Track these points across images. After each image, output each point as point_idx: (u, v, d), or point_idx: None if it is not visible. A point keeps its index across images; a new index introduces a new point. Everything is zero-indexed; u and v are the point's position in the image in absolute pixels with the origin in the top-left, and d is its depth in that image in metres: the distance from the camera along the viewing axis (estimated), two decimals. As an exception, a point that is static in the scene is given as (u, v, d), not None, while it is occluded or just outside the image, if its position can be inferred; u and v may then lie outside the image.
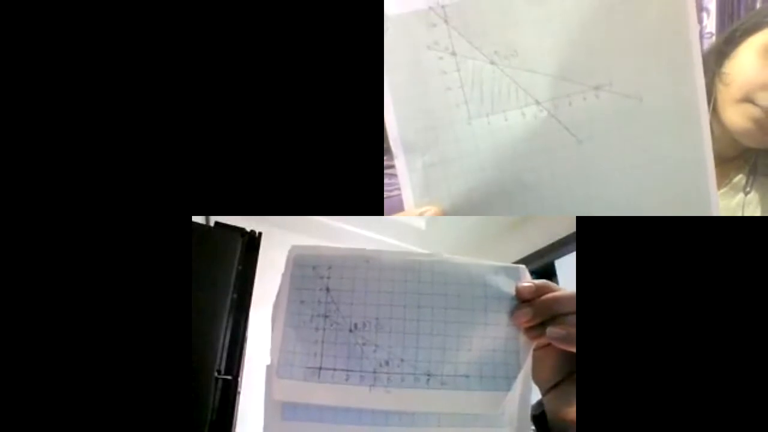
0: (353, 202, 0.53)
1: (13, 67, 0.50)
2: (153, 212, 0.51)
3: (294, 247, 0.40)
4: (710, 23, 1.20)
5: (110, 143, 0.51)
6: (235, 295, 1.16)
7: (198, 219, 1.29)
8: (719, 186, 0.50)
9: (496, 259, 0.41)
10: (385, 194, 0.54)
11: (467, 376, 0.37)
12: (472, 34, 0.47)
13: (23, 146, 0.50)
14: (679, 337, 0.49)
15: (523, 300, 0.38)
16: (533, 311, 0.37)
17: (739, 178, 0.72)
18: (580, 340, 0.38)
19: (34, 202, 0.50)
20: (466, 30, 0.47)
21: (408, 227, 1.94)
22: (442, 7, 0.46)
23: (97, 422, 0.48)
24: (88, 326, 0.49)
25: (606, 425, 0.48)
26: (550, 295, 0.38)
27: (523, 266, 0.40)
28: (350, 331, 0.37)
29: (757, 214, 0.70)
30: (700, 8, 1.20)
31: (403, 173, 0.48)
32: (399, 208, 0.50)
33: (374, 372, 0.36)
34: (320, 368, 0.37)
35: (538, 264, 1.80)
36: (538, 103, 0.47)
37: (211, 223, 1.24)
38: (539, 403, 0.41)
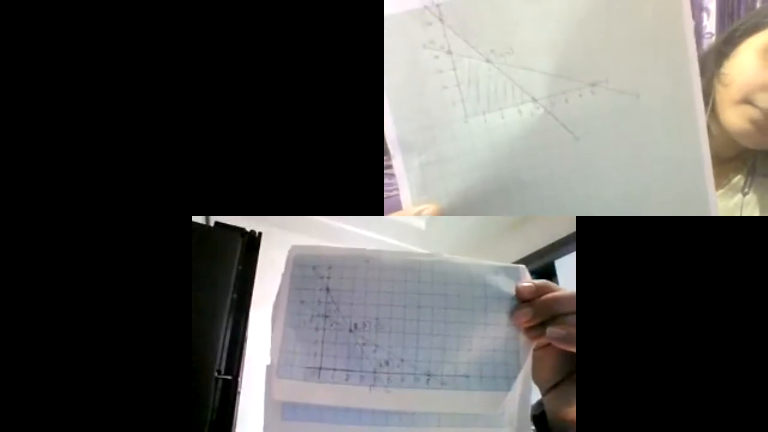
0: (353, 202, 0.53)
1: (14, 67, 0.50)
2: (153, 212, 0.51)
3: (294, 247, 0.40)
4: (710, 23, 1.20)
5: (110, 143, 0.51)
6: (235, 295, 1.16)
7: (198, 219, 1.29)
8: (718, 187, 0.50)
9: (496, 259, 0.41)
10: (385, 194, 0.54)
11: (467, 376, 0.37)
12: (468, 32, 0.47)
13: (23, 146, 0.50)
14: (679, 337, 0.49)
15: (523, 300, 0.38)
16: (533, 311, 0.37)
17: (738, 179, 0.72)
18: (580, 340, 0.38)
19: (34, 202, 0.50)
20: (462, 28, 0.47)
21: (408, 227, 1.94)
22: (437, 5, 0.46)
23: (98, 422, 0.48)
24: (89, 326, 0.49)
25: (606, 425, 0.49)
26: (550, 295, 0.38)
27: (523, 266, 0.40)
28: (350, 331, 0.37)
29: (756, 214, 0.70)
30: (700, 8, 1.20)
31: (400, 172, 0.48)
32: (399, 207, 0.50)
33: (374, 372, 0.36)
34: (320, 368, 0.37)
35: (538, 264, 1.80)
36: (534, 100, 0.47)
37: (211, 223, 1.24)
38: (539, 403, 0.41)
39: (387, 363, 0.37)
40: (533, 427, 0.39)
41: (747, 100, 0.64)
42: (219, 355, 1.10)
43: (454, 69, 0.47)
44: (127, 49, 0.52)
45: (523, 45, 0.47)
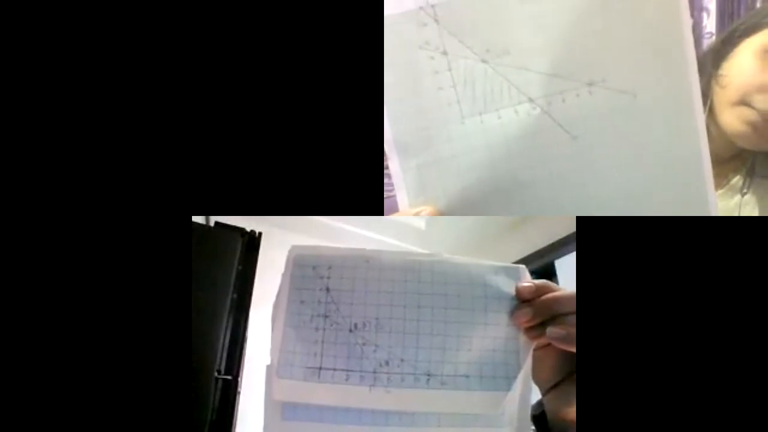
0: (353, 202, 0.53)
1: (14, 67, 0.50)
2: (153, 212, 0.51)
3: (294, 247, 0.40)
4: (710, 23, 1.20)
5: (110, 143, 0.51)
6: (235, 295, 1.16)
7: (198, 219, 1.29)
8: (717, 187, 0.50)
9: (496, 259, 0.41)
10: (385, 194, 0.54)
11: (467, 376, 0.37)
12: (463, 33, 0.47)
13: (23, 146, 0.50)
14: (679, 337, 0.49)
15: (523, 300, 0.38)
16: (533, 311, 0.37)
17: (737, 180, 0.72)
18: (580, 340, 0.38)
19: (34, 202, 0.50)
20: (457, 29, 0.47)
21: (408, 227, 1.94)
22: (432, 6, 0.46)
23: (98, 422, 0.48)
24: (89, 326, 0.49)
25: (606, 425, 0.49)
26: (550, 295, 0.38)
27: (523, 266, 0.40)
28: (350, 331, 0.37)
29: (755, 214, 0.70)
30: (700, 8, 1.20)
31: (397, 174, 0.48)
32: (398, 208, 0.50)
33: (374, 372, 0.36)
34: (320, 368, 0.37)
35: (538, 264, 1.80)
36: (531, 100, 0.47)
37: (211, 223, 1.24)
38: (539, 403, 0.41)
39: (387, 363, 0.37)
40: (533, 427, 0.39)
41: (744, 102, 0.64)
42: (219, 355, 1.10)
43: (450, 70, 0.47)
44: (127, 49, 0.52)
45: (519, 45, 0.47)
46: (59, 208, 0.50)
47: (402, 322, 0.38)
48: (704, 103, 0.49)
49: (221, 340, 1.11)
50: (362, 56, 0.53)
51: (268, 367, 0.37)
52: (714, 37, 1.16)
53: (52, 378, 0.48)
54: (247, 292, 1.18)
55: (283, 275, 0.39)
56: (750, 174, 0.71)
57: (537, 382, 0.40)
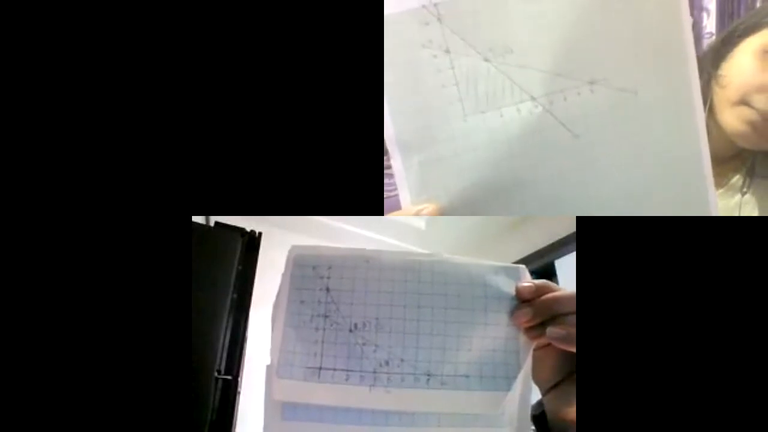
0: (353, 202, 0.53)
1: (13, 67, 0.50)
2: (153, 212, 0.51)
3: (294, 247, 0.40)
4: (710, 23, 1.20)
5: (110, 143, 0.51)
6: (235, 295, 1.16)
7: (198, 219, 1.29)
8: (717, 187, 0.50)
9: (496, 259, 0.41)
10: (385, 194, 0.54)
11: (467, 376, 0.37)
12: (466, 31, 0.47)
13: (23, 146, 0.50)
14: (679, 336, 0.49)
15: (523, 300, 0.38)
16: (533, 311, 0.37)
17: (737, 179, 0.72)
18: (580, 340, 0.38)
19: (34, 202, 0.50)
20: (460, 27, 0.47)
21: (408, 227, 1.94)
22: (435, 5, 0.46)
23: (98, 422, 0.48)
24: (89, 326, 0.49)
25: (606, 425, 0.49)
26: (550, 295, 0.38)
27: (523, 266, 0.40)
28: (350, 331, 0.37)
29: (755, 214, 0.70)
30: (700, 8, 1.20)
31: (399, 172, 0.48)
32: (399, 207, 0.50)
33: (374, 372, 0.36)
34: (320, 368, 0.37)
35: (538, 264, 1.80)
36: (533, 98, 0.47)
37: (211, 223, 1.24)
38: (539, 403, 0.41)
39: (387, 363, 0.37)
40: (533, 427, 0.39)
41: (744, 102, 0.64)
42: (219, 355, 1.10)
43: (453, 68, 0.47)
44: (127, 49, 0.52)
45: (521, 44, 0.47)
46: (59, 208, 0.50)
47: (402, 322, 0.38)
48: (704, 103, 0.49)
49: (221, 340, 1.11)
50: (363, 55, 0.53)
51: (268, 367, 0.37)
52: (714, 37, 1.16)
53: (52, 378, 0.48)
54: (247, 292, 1.18)
55: (283, 275, 0.39)
56: (750, 173, 0.71)
57: (537, 382, 0.40)
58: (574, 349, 0.36)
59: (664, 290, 0.50)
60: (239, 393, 1.12)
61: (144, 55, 0.52)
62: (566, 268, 1.75)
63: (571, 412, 0.39)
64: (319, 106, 0.53)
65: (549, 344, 0.38)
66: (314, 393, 0.36)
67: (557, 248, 1.75)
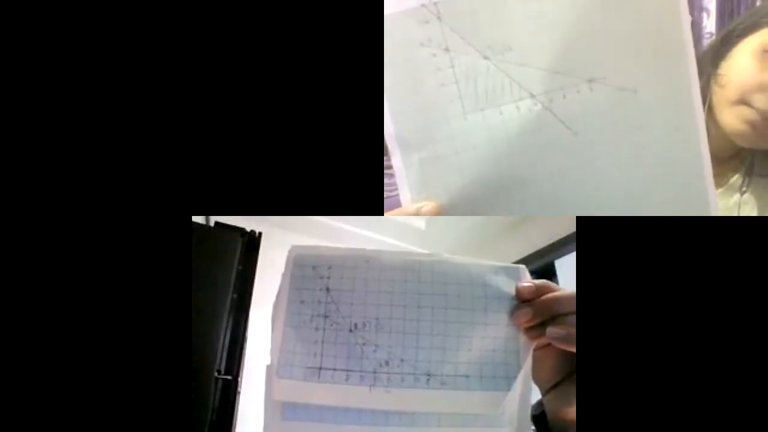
0: (353, 202, 0.53)
1: (13, 67, 0.50)
2: (153, 212, 0.51)
3: (294, 247, 0.40)
4: (710, 23, 1.20)
5: (110, 143, 0.51)
6: (235, 295, 1.16)
7: (198, 219, 1.29)
8: (716, 186, 0.50)
9: (496, 259, 0.41)
10: (385, 194, 0.54)
11: (467, 376, 0.37)
12: (465, 30, 0.47)
13: (23, 146, 0.50)
14: (679, 336, 0.49)
15: (523, 300, 0.38)
16: (533, 311, 0.37)
17: (736, 179, 0.72)
18: (580, 340, 0.38)
19: (35, 202, 0.50)
20: (459, 26, 0.47)
21: (408, 227, 1.94)
22: (434, 3, 0.46)
23: (98, 422, 0.48)
24: (89, 326, 0.49)
25: (606, 425, 0.49)
26: (550, 295, 0.38)
27: (523, 266, 0.40)
28: (350, 331, 0.37)
29: (754, 214, 0.70)
30: (700, 8, 1.20)
31: (399, 170, 0.48)
32: (398, 207, 0.50)
33: (374, 372, 0.36)
34: (320, 368, 0.37)
35: (538, 264, 1.80)
36: (532, 96, 0.47)
37: (211, 223, 1.24)
38: (539, 403, 0.41)
39: (387, 363, 0.37)
40: (533, 427, 0.39)
41: (743, 101, 0.64)
42: (219, 355, 1.10)
43: (452, 66, 0.47)
44: (127, 49, 0.52)
45: (521, 42, 0.47)
46: (59, 208, 0.50)
47: (402, 322, 0.38)
48: (703, 103, 0.49)
49: (221, 340, 1.11)
50: (363, 54, 0.53)
51: (268, 367, 0.37)
52: (714, 37, 1.16)
53: (52, 378, 0.48)
54: (247, 292, 1.18)
55: (283, 275, 0.39)
56: (749, 173, 0.71)
57: (537, 382, 0.40)
58: (574, 349, 0.36)
59: (664, 290, 0.50)
60: (239, 393, 1.12)
61: (144, 56, 0.52)
62: (566, 268, 1.75)
63: (571, 412, 0.39)
64: (319, 105, 0.53)
65: (549, 344, 0.38)
66: (314, 393, 0.36)
67: (557, 248, 1.75)
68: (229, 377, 1.11)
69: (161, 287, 0.50)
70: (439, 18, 0.47)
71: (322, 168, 0.53)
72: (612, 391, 0.49)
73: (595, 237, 0.51)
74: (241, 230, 1.22)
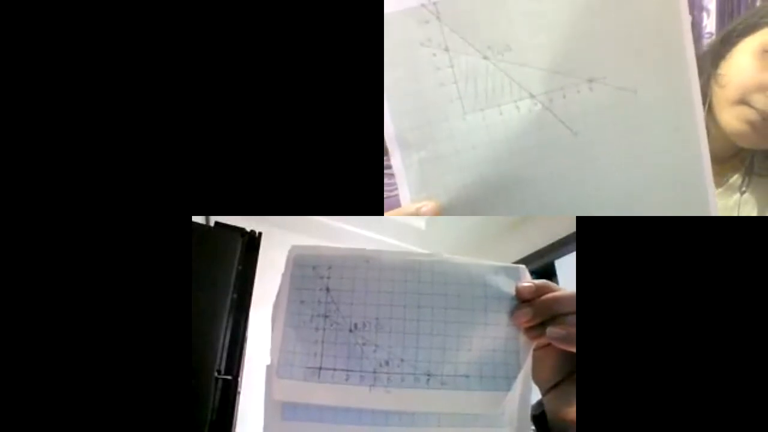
0: (353, 202, 0.53)
1: (13, 67, 0.50)
2: (153, 212, 0.51)
3: (294, 247, 0.40)
4: (710, 23, 1.20)
5: (110, 143, 0.51)
6: (235, 295, 1.16)
7: (198, 219, 1.29)
8: (716, 186, 0.50)
9: (496, 259, 0.41)
10: (385, 194, 0.54)
11: (467, 376, 0.37)
12: (465, 29, 0.47)
13: (23, 146, 0.50)
14: (679, 336, 0.49)
15: (523, 300, 0.38)
16: (533, 311, 0.37)
17: (736, 178, 0.72)
18: (580, 340, 0.38)
19: (35, 202, 0.50)
20: (459, 26, 0.47)
21: (408, 227, 1.94)
22: (434, 3, 0.46)
23: (98, 422, 0.48)
24: (89, 326, 0.49)
25: (606, 425, 0.49)
26: (550, 295, 0.38)
27: (523, 266, 0.40)
28: (350, 331, 0.37)
29: (754, 214, 0.71)
30: (700, 8, 1.20)
31: (399, 170, 0.49)
32: (400, 204, 0.50)
33: (374, 372, 0.36)
34: (320, 368, 0.37)
35: (538, 264, 1.80)
36: (532, 96, 0.47)
37: (211, 223, 1.24)
38: (539, 403, 0.41)
39: (387, 363, 0.37)
40: (533, 427, 0.39)
41: (743, 101, 0.64)
42: (219, 355, 1.10)
43: (452, 66, 0.47)
44: (127, 49, 0.52)
45: (520, 41, 0.47)
46: (59, 208, 0.50)
47: (402, 322, 0.38)
48: (703, 103, 0.49)
49: (221, 340, 1.11)
50: (363, 54, 0.53)
51: (268, 367, 0.37)
52: (714, 37, 1.16)
53: (52, 378, 0.48)
54: (247, 292, 1.18)
55: (283, 275, 0.39)
56: (749, 172, 0.71)
57: (537, 382, 0.40)
58: (574, 349, 0.36)
59: (664, 290, 0.50)
60: (239, 393, 1.12)
61: (144, 56, 0.52)
62: (566, 268, 1.75)
63: (571, 412, 0.39)
64: (318, 105, 0.53)
65: (549, 344, 0.38)
66: (314, 393, 0.36)
67: (557, 248, 1.75)
68: (229, 377, 1.11)
69: (161, 287, 0.50)
70: (438, 18, 0.47)
71: (322, 168, 0.53)
72: (612, 391, 0.49)
73: (595, 237, 0.51)
74: (241, 230, 1.22)
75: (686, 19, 0.48)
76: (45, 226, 0.50)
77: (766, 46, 0.64)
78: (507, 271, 0.40)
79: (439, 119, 0.48)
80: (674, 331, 0.50)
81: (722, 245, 0.50)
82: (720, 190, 0.71)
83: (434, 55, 0.47)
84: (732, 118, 0.65)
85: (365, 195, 0.53)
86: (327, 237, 1.79)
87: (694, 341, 0.49)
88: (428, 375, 0.37)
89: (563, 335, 0.36)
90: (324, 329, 0.37)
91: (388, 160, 0.49)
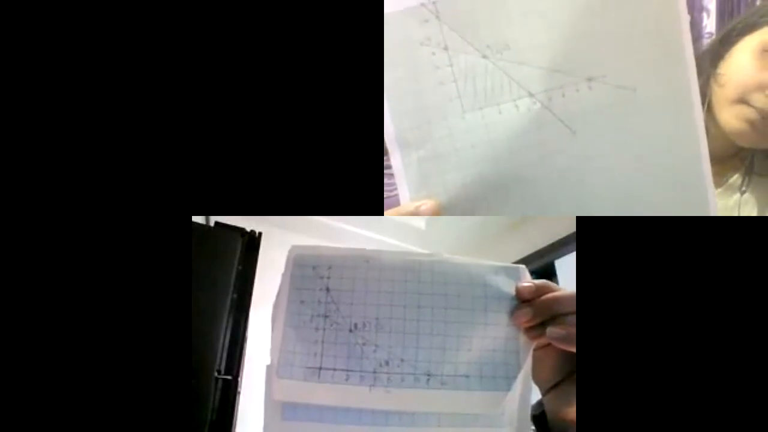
0: (353, 202, 0.53)
1: (13, 67, 0.50)
2: (153, 212, 0.51)
3: (294, 247, 0.40)
4: (710, 23, 1.20)
5: (110, 143, 0.51)
6: (235, 295, 1.16)
7: (198, 219, 1.29)
8: (716, 186, 0.50)
9: (496, 259, 0.41)
10: (385, 194, 0.54)
11: (467, 376, 0.37)
12: (464, 28, 0.47)
13: (23, 146, 0.50)
14: (679, 336, 0.49)
15: (523, 300, 0.38)
16: (533, 311, 0.37)
17: (736, 178, 0.72)
18: (580, 340, 0.38)
19: (35, 202, 0.50)
20: (458, 25, 0.47)
21: (408, 227, 1.94)
22: (434, 3, 0.47)
23: (98, 422, 0.48)
24: (89, 326, 0.49)
25: (606, 425, 0.49)
26: (550, 295, 0.38)
27: (523, 266, 0.40)
28: (350, 331, 0.37)
29: (754, 213, 0.70)
30: (700, 8, 1.20)
31: (398, 168, 0.49)
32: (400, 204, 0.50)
33: (374, 372, 0.36)
34: (320, 368, 0.37)
35: (538, 264, 1.80)
36: (531, 95, 0.47)
37: (211, 223, 1.24)
38: (539, 403, 0.41)
39: (387, 363, 0.37)
40: (533, 427, 0.39)
41: (743, 100, 0.64)
42: (219, 355, 1.10)
43: (451, 65, 0.47)
44: (127, 49, 0.52)
45: (519, 40, 0.47)
46: (59, 208, 0.50)
47: (402, 322, 0.38)
48: (703, 102, 0.49)
49: (221, 340, 1.11)
50: (362, 54, 0.53)
51: (268, 367, 0.37)
52: (713, 37, 1.16)
53: (52, 378, 0.48)
54: (247, 292, 1.18)
55: (283, 275, 0.39)
56: (749, 172, 0.71)
57: (537, 382, 0.40)
58: (574, 349, 0.36)
59: (663, 290, 0.50)
60: (239, 393, 1.12)
61: (144, 56, 0.52)
62: (566, 268, 1.75)
63: (571, 412, 0.39)
64: (318, 105, 0.53)
65: (549, 344, 0.38)
66: (314, 393, 0.36)
67: (557, 248, 1.75)
68: (229, 377, 1.11)
69: (161, 287, 0.50)
70: (438, 17, 0.47)
71: (322, 168, 0.53)
72: (612, 391, 0.49)
73: (595, 237, 0.51)
74: (241, 230, 1.22)
75: (685, 19, 0.48)
76: (45, 226, 0.50)
77: (765, 46, 0.64)
78: (507, 271, 0.40)
79: (438, 118, 0.48)
80: (674, 331, 0.50)
81: (722, 245, 0.50)
82: (720, 190, 0.71)
83: (434, 54, 0.47)
84: (731, 118, 0.65)
85: (365, 195, 0.53)
86: (327, 237, 1.79)
87: (694, 341, 0.49)
88: (428, 375, 0.37)
89: (563, 335, 0.36)
90: (324, 329, 0.37)
91: (388, 160, 0.49)
